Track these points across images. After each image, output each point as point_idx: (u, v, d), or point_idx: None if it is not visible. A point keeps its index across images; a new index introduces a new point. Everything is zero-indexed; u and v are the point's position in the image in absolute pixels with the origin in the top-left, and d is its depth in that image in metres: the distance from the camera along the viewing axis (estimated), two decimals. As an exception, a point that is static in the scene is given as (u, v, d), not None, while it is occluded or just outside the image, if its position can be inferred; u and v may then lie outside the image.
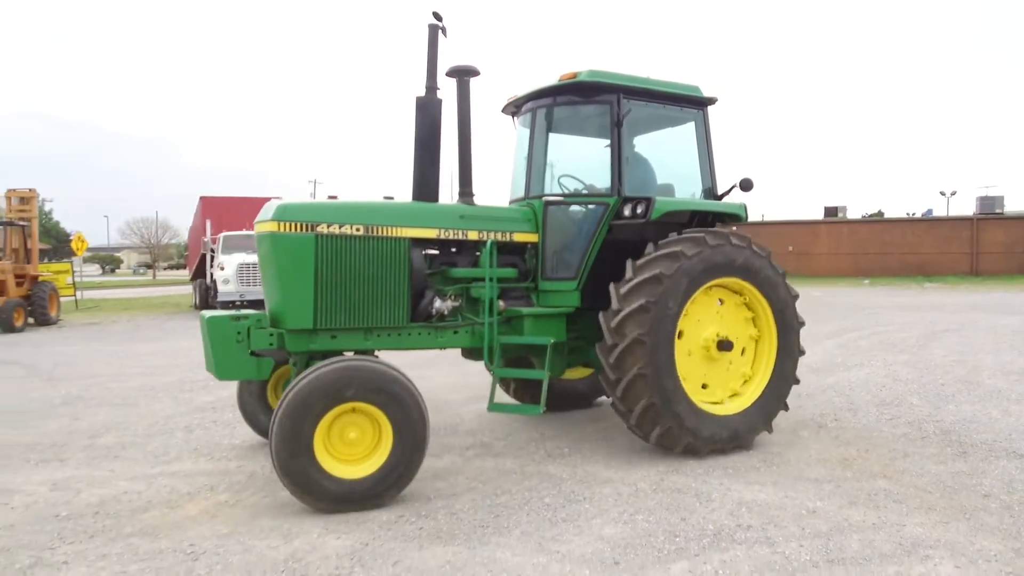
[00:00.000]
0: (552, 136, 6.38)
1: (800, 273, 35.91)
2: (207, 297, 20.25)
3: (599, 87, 5.81)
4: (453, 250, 5.74)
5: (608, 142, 5.89)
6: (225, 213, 21.52)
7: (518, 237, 5.83)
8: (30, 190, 20.86)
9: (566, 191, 6.23)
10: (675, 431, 5.40)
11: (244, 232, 19.72)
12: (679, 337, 5.54)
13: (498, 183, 6.88)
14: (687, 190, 6.36)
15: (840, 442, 6.06)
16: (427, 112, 5.51)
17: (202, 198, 23.30)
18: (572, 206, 6.03)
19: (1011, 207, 41.21)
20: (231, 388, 7.46)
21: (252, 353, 5.07)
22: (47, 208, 64.80)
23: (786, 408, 6.08)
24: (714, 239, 5.53)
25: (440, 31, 5.52)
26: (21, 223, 19.67)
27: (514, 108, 6.52)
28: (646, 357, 5.22)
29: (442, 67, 5.63)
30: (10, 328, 16.88)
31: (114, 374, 10.36)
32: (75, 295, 26.08)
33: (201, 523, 4.39)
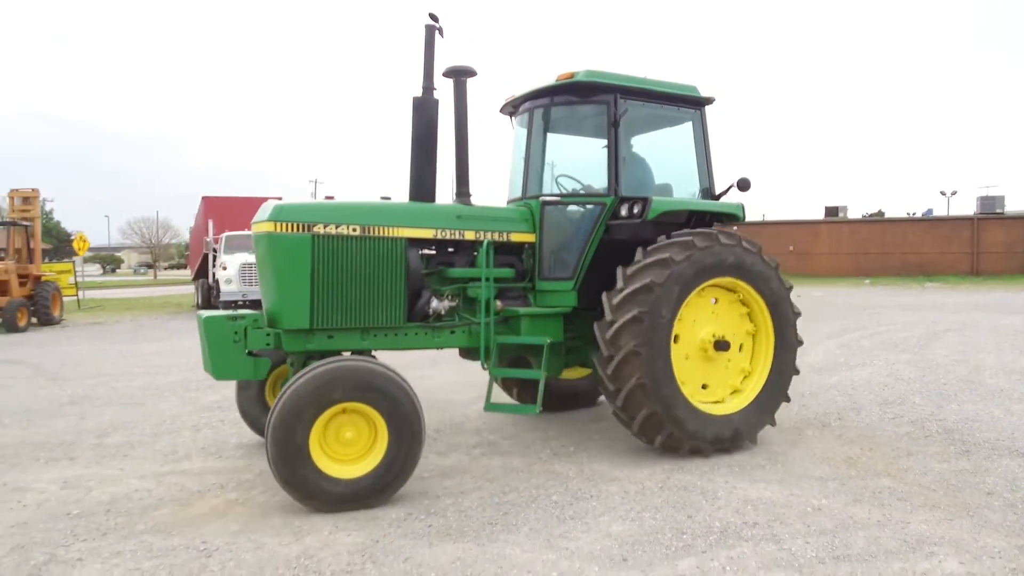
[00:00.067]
0: (549, 136, 6.41)
1: (801, 273, 35.97)
2: (209, 297, 20.30)
3: (596, 87, 5.83)
4: (450, 250, 5.76)
5: (605, 142, 5.91)
6: (227, 213, 21.54)
7: (515, 237, 5.85)
8: (33, 190, 20.92)
9: (564, 191, 6.26)
10: (678, 436, 5.43)
11: (246, 232, 19.74)
12: (675, 341, 5.55)
13: (496, 183, 6.92)
14: (685, 190, 6.37)
15: (844, 441, 6.10)
16: (424, 112, 5.54)
17: (204, 198, 23.34)
18: (569, 206, 6.05)
19: (1012, 207, 41.28)
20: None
21: (249, 353, 5.09)
22: (48, 208, 64.79)
23: (787, 399, 6.09)
24: (702, 240, 5.51)
25: (437, 31, 5.55)
26: (24, 223, 19.72)
27: (512, 108, 6.56)
28: (643, 367, 5.24)
29: (439, 67, 5.66)
30: (14, 328, 16.93)
31: (120, 373, 10.41)
32: (77, 295, 26.14)
33: (212, 521, 4.43)
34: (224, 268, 18.42)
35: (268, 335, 5.09)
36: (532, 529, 4.23)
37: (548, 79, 5.96)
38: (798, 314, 6.11)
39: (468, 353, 6.07)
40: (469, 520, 4.39)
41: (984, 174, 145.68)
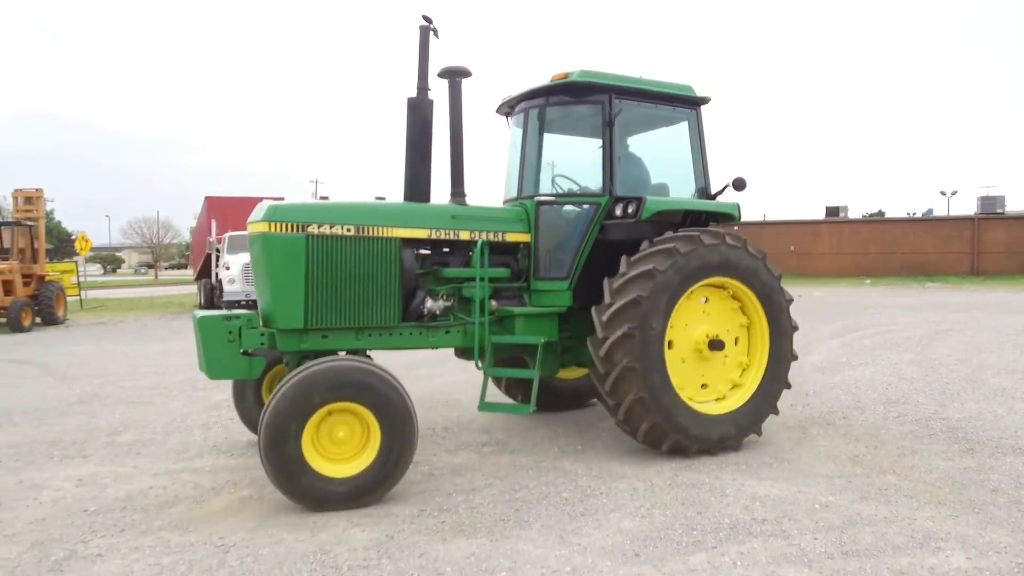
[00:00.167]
0: (545, 136, 6.45)
1: (802, 273, 36.05)
2: (212, 297, 20.34)
3: (591, 87, 5.86)
4: (445, 250, 5.78)
5: (601, 142, 5.94)
6: (231, 213, 21.58)
7: (510, 237, 5.88)
8: (37, 190, 21.00)
9: (559, 191, 6.29)
10: (683, 441, 5.49)
11: (249, 232, 19.80)
12: (669, 347, 5.57)
13: (492, 183, 6.97)
14: (682, 189, 6.40)
15: (849, 439, 6.16)
16: (418, 113, 5.58)
17: (207, 198, 23.39)
18: (564, 206, 6.08)
19: (1012, 207, 41.35)
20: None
21: (244, 352, 5.12)
22: (48, 208, 64.88)
23: (788, 386, 6.10)
24: (685, 245, 5.47)
25: (431, 32, 5.59)
26: (28, 223, 19.77)
27: (507, 108, 6.59)
28: (640, 382, 5.27)
29: (434, 68, 5.70)
30: (18, 328, 16.98)
31: (127, 373, 10.47)
32: (80, 295, 26.20)
33: (228, 517, 4.49)
34: (227, 268, 18.46)
35: (262, 335, 5.12)
36: (544, 525, 4.29)
37: (543, 79, 5.99)
38: (790, 301, 6.09)
39: (463, 353, 6.10)
40: (481, 516, 4.45)
41: (984, 174, 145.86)
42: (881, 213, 53.87)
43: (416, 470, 5.43)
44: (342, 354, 5.21)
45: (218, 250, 20.12)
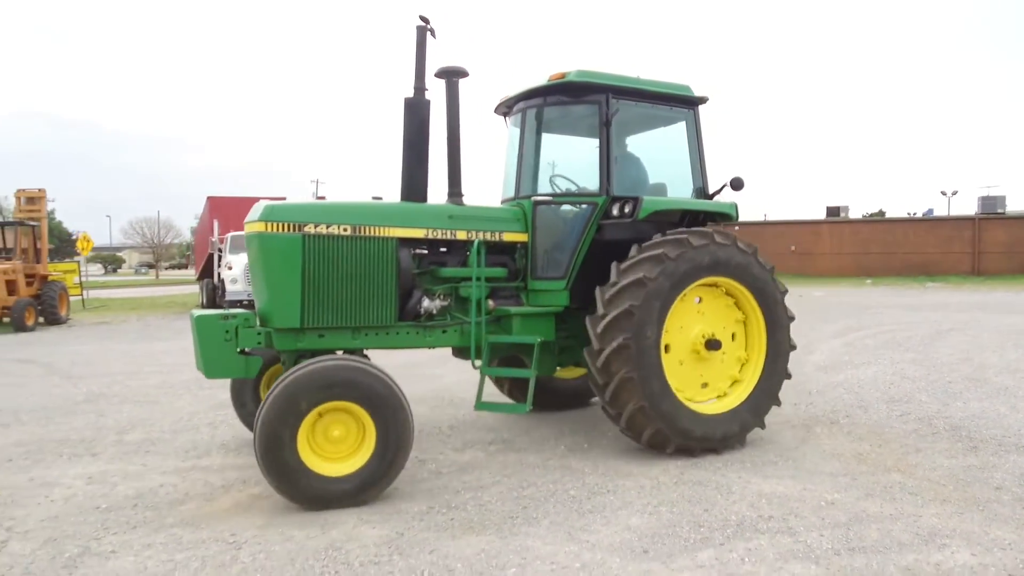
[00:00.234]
0: (542, 136, 6.47)
1: (803, 273, 36.10)
2: (215, 296, 20.40)
3: (588, 87, 5.87)
4: (443, 250, 5.79)
5: (598, 142, 5.95)
6: (233, 213, 21.61)
7: (508, 237, 5.90)
8: (40, 190, 21.06)
9: (557, 191, 6.30)
10: (687, 443, 5.52)
11: (252, 232, 19.82)
12: (666, 351, 5.58)
13: (492, 183, 6.99)
14: (680, 189, 6.41)
15: (853, 438, 6.20)
16: (415, 113, 5.60)
17: (209, 198, 23.44)
18: (561, 206, 6.09)
19: (1013, 207, 41.39)
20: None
21: (241, 352, 5.13)
22: (49, 208, 64.89)
23: (789, 376, 6.11)
24: (674, 249, 5.44)
25: (428, 32, 5.62)
26: (31, 223, 19.82)
27: (505, 108, 6.61)
28: (639, 391, 5.29)
29: (431, 68, 5.73)
30: (21, 327, 17.03)
31: (132, 372, 10.51)
32: (82, 294, 26.24)
33: (238, 515, 4.53)
34: (230, 268, 18.51)
35: (259, 334, 5.13)
36: (552, 522, 4.33)
37: (542, 79, 6.01)
38: (784, 292, 6.07)
39: (460, 352, 6.12)
40: (490, 514, 4.49)
41: (985, 174, 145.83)
42: (882, 213, 53.96)
43: (423, 468, 5.48)
44: (339, 353, 5.24)
45: (220, 250, 20.17)
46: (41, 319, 18.50)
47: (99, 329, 17.95)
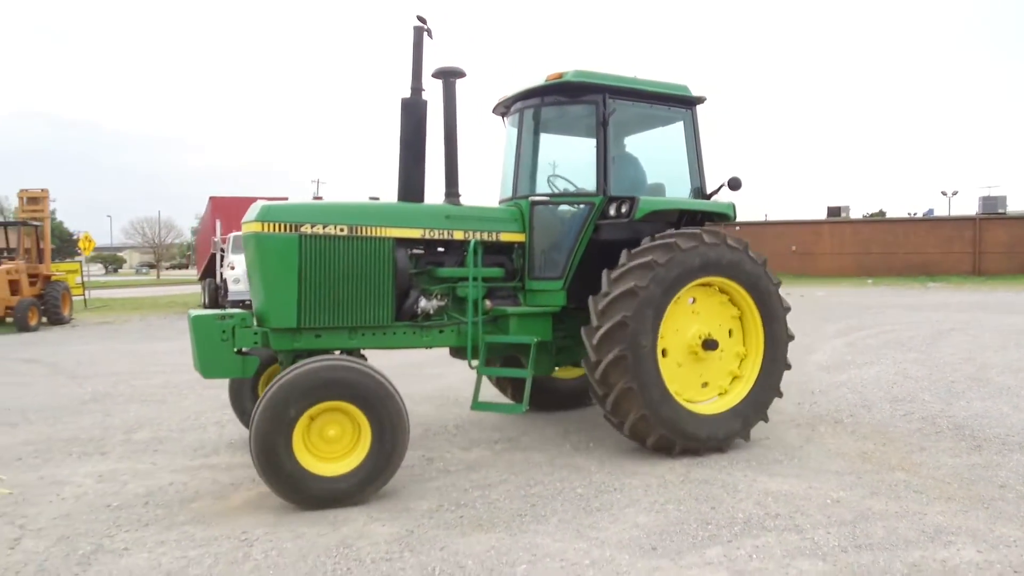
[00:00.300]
0: (540, 136, 6.49)
1: (803, 273, 36.13)
2: (217, 296, 20.45)
3: (585, 87, 5.87)
4: (440, 250, 5.80)
5: (595, 142, 5.95)
6: (235, 213, 21.60)
7: (505, 237, 5.91)
8: (42, 191, 21.10)
9: (555, 191, 6.31)
10: (691, 444, 5.55)
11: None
12: (664, 356, 5.59)
13: (490, 184, 7.01)
14: (678, 189, 6.42)
15: (857, 437, 6.24)
16: (412, 113, 5.63)
17: (212, 198, 23.50)
18: (559, 206, 6.10)
19: (1013, 207, 41.43)
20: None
21: (238, 352, 5.15)
22: (51, 208, 64.94)
23: (788, 367, 6.11)
24: (663, 255, 5.41)
25: (425, 33, 5.64)
26: (34, 223, 19.87)
27: (503, 108, 6.62)
28: (639, 399, 5.31)
29: (428, 68, 5.75)
30: (25, 327, 17.08)
31: (136, 372, 10.55)
32: (84, 294, 26.28)
33: (249, 512, 4.57)
34: (232, 268, 18.55)
35: (255, 334, 5.14)
36: (561, 520, 4.37)
37: (539, 79, 6.03)
38: (778, 284, 6.04)
39: (457, 352, 6.13)
40: (499, 511, 4.53)
41: (985, 174, 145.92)
42: (882, 213, 53.99)
43: (431, 466, 5.52)
44: (337, 353, 5.26)
45: (223, 250, 20.23)
46: (44, 319, 18.54)
47: (102, 329, 17.99)
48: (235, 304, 17.59)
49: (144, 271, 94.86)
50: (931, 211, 46.11)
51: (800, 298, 22.70)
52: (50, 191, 21.61)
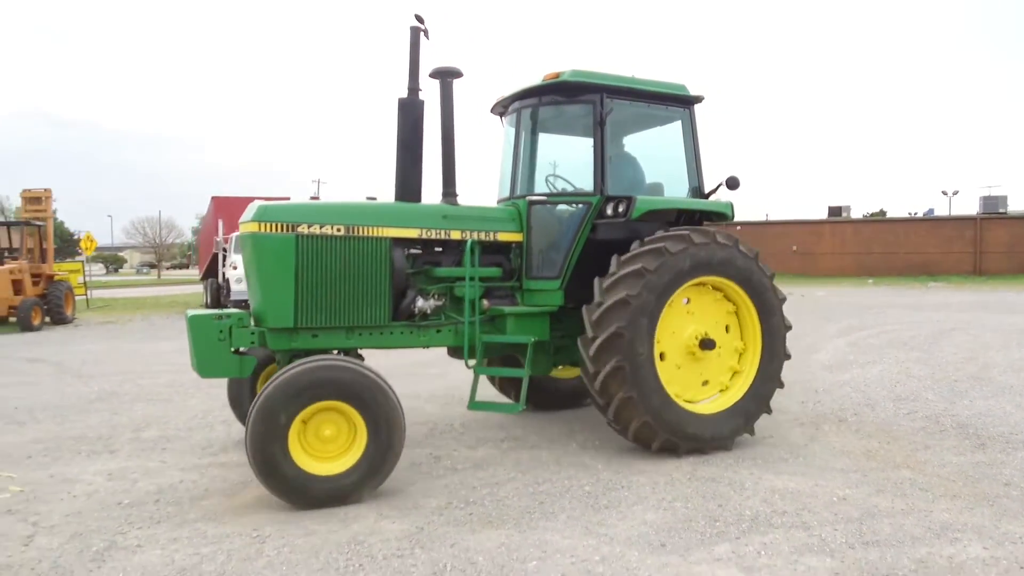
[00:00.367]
0: (537, 136, 6.51)
1: (804, 273, 36.19)
2: (219, 296, 20.48)
3: (582, 87, 5.89)
4: (437, 250, 5.81)
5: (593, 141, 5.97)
6: (238, 213, 21.42)
7: (502, 236, 5.92)
8: (45, 190, 21.12)
9: (553, 190, 6.33)
10: (697, 445, 5.59)
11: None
12: (662, 359, 5.60)
13: (488, 184, 7.03)
14: (677, 189, 6.44)
15: (861, 435, 6.27)
16: (409, 113, 5.65)
17: (214, 198, 23.53)
18: (556, 206, 6.12)
19: (1014, 207, 41.48)
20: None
21: (235, 351, 5.15)
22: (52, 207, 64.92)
23: (788, 356, 6.12)
24: (653, 260, 5.39)
25: (422, 33, 5.67)
26: (37, 223, 19.90)
27: (501, 108, 6.65)
28: (639, 407, 5.33)
29: (426, 68, 5.78)
30: (28, 327, 17.10)
31: (142, 371, 10.59)
32: (86, 294, 26.30)
33: (260, 510, 4.60)
34: (234, 268, 18.57)
35: (252, 333, 5.16)
36: (569, 517, 4.40)
37: (537, 79, 6.04)
38: (772, 275, 6.00)
39: (455, 352, 6.15)
40: (507, 509, 4.56)
41: (986, 174, 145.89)
42: (882, 212, 54.03)
43: (439, 464, 5.55)
44: (334, 352, 5.28)
45: (225, 250, 20.25)
46: (47, 319, 18.57)
47: (105, 328, 18.03)
48: (237, 304, 17.61)
49: (145, 271, 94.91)
50: (931, 211, 46.16)
51: (801, 298, 22.74)
52: (52, 191, 21.64)
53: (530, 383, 6.83)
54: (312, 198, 29.41)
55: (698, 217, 6.31)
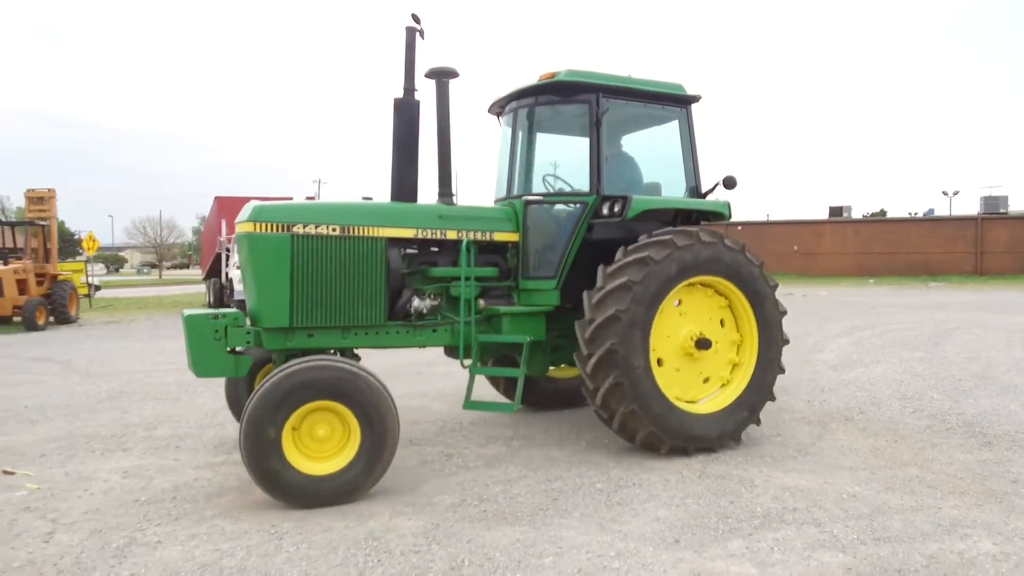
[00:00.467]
0: (534, 136, 6.53)
1: (805, 273, 36.26)
2: (222, 296, 20.50)
3: (578, 86, 5.90)
4: (434, 249, 5.82)
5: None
6: (241, 213, 21.71)
7: (499, 236, 5.94)
8: (49, 190, 21.19)
9: (550, 190, 6.34)
10: (705, 444, 5.65)
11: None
12: (659, 364, 5.63)
13: (486, 184, 7.07)
14: (674, 189, 6.46)
15: (868, 433, 6.32)
16: (405, 113, 5.68)
17: (217, 198, 23.55)
18: (553, 205, 6.14)
19: (1015, 207, 41.55)
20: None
21: (231, 351, 5.15)
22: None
23: (787, 342, 6.13)
24: (638, 272, 5.35)
25: (418, 33, 5.69)
26: (41, 223, 19.95)
27: (498, 108, 6.68)
28: (642, 418, 5.34)
29: (422, 68, 5.80)
30: (33, 327, 17.15)
31: (149, 370, 10.64)
32: (89, 294, 26.34)
33: (275, 507, 4.64)
34: (237, 268, 18.60)
35: (248, 333, 5.16)
36: (583, 514, 4.45)
37: (533, 79, 6.07)
38: (760, 264, 5.94)
39: (451, 352, 6.17)
40: (521, 506, 4.61)
41: (986, 174, 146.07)
42: (883, 213, 54.11)
43: (450, 462, 5.60)
44: (331, 352, 5.31)
45: (228, 250, 20.28)
46: (52, 318, 18.62)
47: (110, 328, 18.08)
48: (240, 304, 17.64)
49: (146, 271, 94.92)
50: (931, 211, 46.22)
51: (803, 298, 22.78)
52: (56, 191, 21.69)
53: (531, 384, 6.92)
54: (308, 198, 29.45)
55: (695, 217, 6.32)
